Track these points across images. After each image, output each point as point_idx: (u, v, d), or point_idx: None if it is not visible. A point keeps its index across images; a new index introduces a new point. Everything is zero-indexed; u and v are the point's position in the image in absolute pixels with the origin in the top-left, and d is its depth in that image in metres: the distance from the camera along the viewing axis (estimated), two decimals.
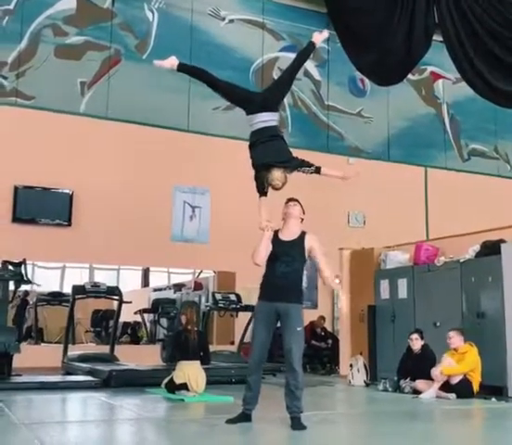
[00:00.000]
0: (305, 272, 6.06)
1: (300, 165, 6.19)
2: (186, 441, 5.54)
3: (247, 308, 11.72)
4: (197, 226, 13.10)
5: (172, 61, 6.38)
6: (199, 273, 15.62)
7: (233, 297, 11.81)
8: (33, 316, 13.94)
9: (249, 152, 6.19)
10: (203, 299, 14.13)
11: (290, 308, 5.75)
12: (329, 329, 13.39)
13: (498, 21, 10.89)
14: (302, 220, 6.06)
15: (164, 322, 12.38)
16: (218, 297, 11.75)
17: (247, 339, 12.20)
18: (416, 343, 8.75)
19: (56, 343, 13.71)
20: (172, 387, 7.94)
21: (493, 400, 7.99)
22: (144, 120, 12.88)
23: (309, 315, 11.01)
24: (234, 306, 11.70)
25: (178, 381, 7.90)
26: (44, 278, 14.58)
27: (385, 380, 9.01)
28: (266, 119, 6.19)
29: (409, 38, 11.76)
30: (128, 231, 12.27)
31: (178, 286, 15.94)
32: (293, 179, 6.24)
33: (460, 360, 8.21)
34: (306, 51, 6.73)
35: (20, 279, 9.76)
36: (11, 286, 9.97)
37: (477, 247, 9.13)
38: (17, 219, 11.82)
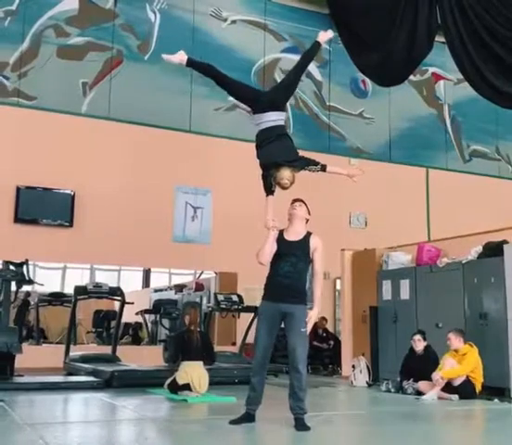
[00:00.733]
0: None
1: (307, 164, 6.20)
2: (190, 441, 5.54)
3: (249, 309, 11.73)
4: (198, 227, 13.10)
5: (181, 56, 6.36)
6: (200, 274, 15.62)
7: (235, 297, 11.81)
8: (35, 316, 13.93)
9: (255, 151, 6.19)
10: (205, 300, 14.14)
11: (295, 309, 5.75)
12: (331, 330, 13.40)
13: (500, 21, 10.87)
14: (308, 220, 6.07)
15: (166, 322, 12.36)
16: (220, 297, 11.75)
17: (249, 340, 12.23)
18: (419, 344, 8.75)
19: (57, 343, 13.73)
20: (175, 388, 7.94)
21: (496, 401, 8.00)
22: (145, 120, 12.87)
23: None
24: (236, 307, 11.70)
25: (181, 382, 7.90)
26: (45, 278, 14.61)
27: (388, 381, 9.02)
28: (274, 118, 6.20)
29: (411, 39, 11.74)
30: (130, 231, 12.27)
31: (179, 287, 15.96)
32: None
33: (461, 361, 8.21)
34: (312, 50, 6.73)
35: (22, 279, 9.75)
36: (13, 286, 9.98)
37: (479, 249, 9.12)
38: (18, 219, 11.82)
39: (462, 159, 16.39)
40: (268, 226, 5.89)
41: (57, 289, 14.76)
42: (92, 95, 12.68)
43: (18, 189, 11.83)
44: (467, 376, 8.14)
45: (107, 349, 11.68)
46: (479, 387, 8.20)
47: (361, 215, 14.65)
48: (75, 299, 11.11)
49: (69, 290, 13.48)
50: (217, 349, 10.86)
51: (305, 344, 5.80)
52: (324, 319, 13.00)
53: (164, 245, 12.62)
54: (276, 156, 6.04)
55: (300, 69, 6.68)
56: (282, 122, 6.28)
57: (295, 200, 6.09)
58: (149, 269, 16.82)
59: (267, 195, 6.15)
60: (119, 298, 11.45)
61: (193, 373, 7.93)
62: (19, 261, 9.87)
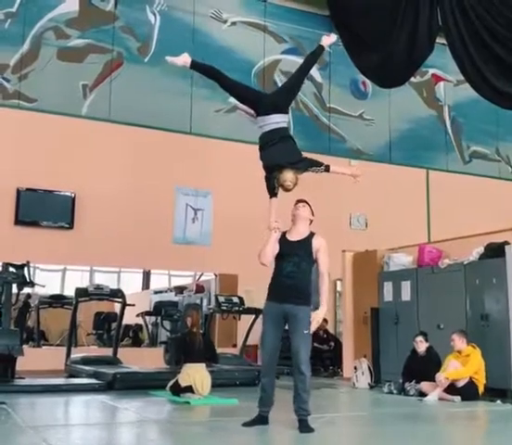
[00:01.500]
0: None
1: (311, 165, 6.23)
2: (192, 443, 5.55)
3: (249, 311, 11.73)
4: (199, 229, 13.09)
5: (185, 58, 6.39)
6: (200, 276, 15.60)
7: (236, 299, 11.82)
8: (35, 319, 13.91)
9: (259, 153, 6.19)
10: (205, 302, 14.12)
11: (298, 310, 5.75)
12: (331, 331, 13.38)
13: (500, 22, 10.87)
14: (311, 221, 6.08)
15: (167, 324, 12.35)
16: (221, 299, 11.75)
17: (249, 342, 12.21)
18: (421, 345, 8.74)
19: (56, 346, 13.71)
20: (178, 390, 7.92)
21: (498, 402, 7.99)
22: (146, 122, 12.86)
23: None
24: (237, 309, 11.70)
25: (183, 384, 7.88)
26: (45, 281, 14.53)
27: (390, 383, 9.01)
28: (278, 120, 6.21)
29: (412, 40, 11.73)
30: (130, 233, 12.26)
31: (179, 289, 15.92)
32: None
33: (464, 362, 8.21)
34: (315, 54, 6.76)
35: (23, 281, 9.74)
36: (14, 288, 9.96)
37: (481, 250, 9.12)
38: (19, 221, 11.80)
39: (462, 161, 16.39)
40: (271, 227, 5.89)
41: (56, 291, 14.72)
42: (92, 97, 12.67)
43: (18, 191, 11.82)
44: (471, 378, 8.12)
45: (107, 352, 11.67)
46: (481, 389, 8.19)
47: (361, 216, 14.65)
48: (76, 301, 11.11)
49: (68, 292, 13.47)
50: (218, 350, 10.85)
51: (308, 346, 5.79)
52: (324, 320, 12.94)
53: (164, 246, 12.61)
54: (279, 158, 6.05)
55: (303, 72, 6.72)
56: (285, 124, 6.29)
57: (299, 201, 6.11)
58: (149, 271, 16.77)
59: (271, 197, 6.16)
60: (120, 300, 11.44)
61: (195, 375, 7.91)
62: (19, 263, 9.87)
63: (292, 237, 5.97)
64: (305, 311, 5.79)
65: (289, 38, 14.66)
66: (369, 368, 9.91)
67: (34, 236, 11.78)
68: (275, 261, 5.91)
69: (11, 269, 9.77)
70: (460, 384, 8.11)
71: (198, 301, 14.34)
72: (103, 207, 12.30)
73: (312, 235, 5.98)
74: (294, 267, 5.82)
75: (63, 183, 12.11)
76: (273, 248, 5.88)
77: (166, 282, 17.88)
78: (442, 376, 8.11)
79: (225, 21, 14.14)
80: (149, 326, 14.80)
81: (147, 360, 11.42)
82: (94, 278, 16.41)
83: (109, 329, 14.69)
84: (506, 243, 8.75)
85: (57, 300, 13.47)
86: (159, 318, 13.10)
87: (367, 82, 14.76)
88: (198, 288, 15.17)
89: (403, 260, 10.50)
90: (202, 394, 7.90)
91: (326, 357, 12.59)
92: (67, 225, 12.14)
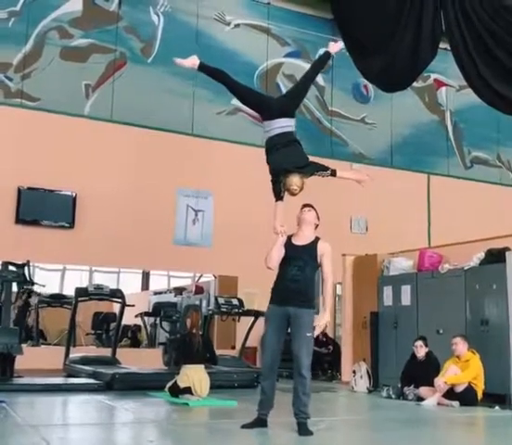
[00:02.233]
0: None
1: (317, 169, 6.25)
2: (191, 444, 5.55)
3: (249, 313, 11.73)
4: (200, 230, 13.09)
5: (194, 61, 6.43)
6: (199, 277, 15.60)
7: (235, 301, 11.82)
8: (34, 318, 13.90)
9: (265, 157, 6.21)
10: (204, 303, 14.11)
11: (301, 313, 5.75)
12: (330, 335, 13.36)
13: (502, 26, 10.87)
14: (317, 226, 6.09)
15: (166, 325, 12.34)
16: (221, 301, 11.76)
17: (248, 344, 12.21)
18: (421, 350, 8.75)
19: (55, 345, 13.70)
20: (176, 391, 7.92)
21: (497, 408, 7.98)
22: (148, 123, 12.87)
23: None
24: (236, 310, 11.70)
25: (182, 385, 7.88)
26: (45, 280, 14.54)
27: (388, 387, 9.00)
28: (284, 124, 6.24)
29: (416, 44, 11.72)
30: (131, 234, 12.25)
31: (179, 290, 15.91)
32: None
33: (464, 368, 8.21)
34: (321, 60, 6.83)
35: (24, 281, 9.75)
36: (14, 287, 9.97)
37: (481, 255, 9.11)
38: (20, 220, 11.80)
39: (463, 166, 16.40)
40: (276, 231, 5.91)
41: (56, 291, 14.72)
42: (95, 96, 12.67)
43: (19, 190, 11.81)
44: (470, 383, 8.12)
45: (106, 352, 11.67)
46: (480, 395, 8.19)
47: (362, 220, 14.65)
48: (76, 301, 11.09)
49: (68, 292, 13.47)
50: (217, 352, 10.86)
51: (310, 349, 5.79)
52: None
53: (165, 247, 12.60)
54: (286, 162, 6.07)
55: (309, 78, 6.78)
56: (291, 129, 6.31)
57: (305, 205, 6.13)
58: (149, 271, 16.77)
59: (276, 200, 6.17)
60: (119, 300, 11.43)
61: (194, 376, 7.91)
62: (20, 263, 9.87)
63: (298, 241, 5.98)
64: (309, 313, 5.79)
65: (292, 41, 14.67)
66: (368, 372, 9.90)
67: (35, 236, 11.77)
68: (279, 264, 5.92)
69: (11, 268, 9.79)
70: (459, 389, 8.10)
71: (197, 303, 14.33)
72: (104, 207, 12.30)
73: (317, 239, 6.00)
74: (298, 271, 5.84)
75: (64, 182, 12.11)
76: (279, 252, 5.90)
77: (165, 283, 17.90)
78: (441, 381, 8.12)
79: (229, 23, 14.15)
80: (148, 327, 14.79)
81: (145, 360, 11.40)
82: (93, 278, 16.42)
83: (108, 329, 14.68)
84: (507, 249, 8.75)
85: (56, 300, 13.45)
86: (157, 319, 13.08)
87: (369, 85, 14.77)
88: (198, 290, 15.16)
89: (403, 265, 10.49)
90: (201, 395, 7.90)
91: (325, 360, 12.56)
92: (67, 225, 12.14)
